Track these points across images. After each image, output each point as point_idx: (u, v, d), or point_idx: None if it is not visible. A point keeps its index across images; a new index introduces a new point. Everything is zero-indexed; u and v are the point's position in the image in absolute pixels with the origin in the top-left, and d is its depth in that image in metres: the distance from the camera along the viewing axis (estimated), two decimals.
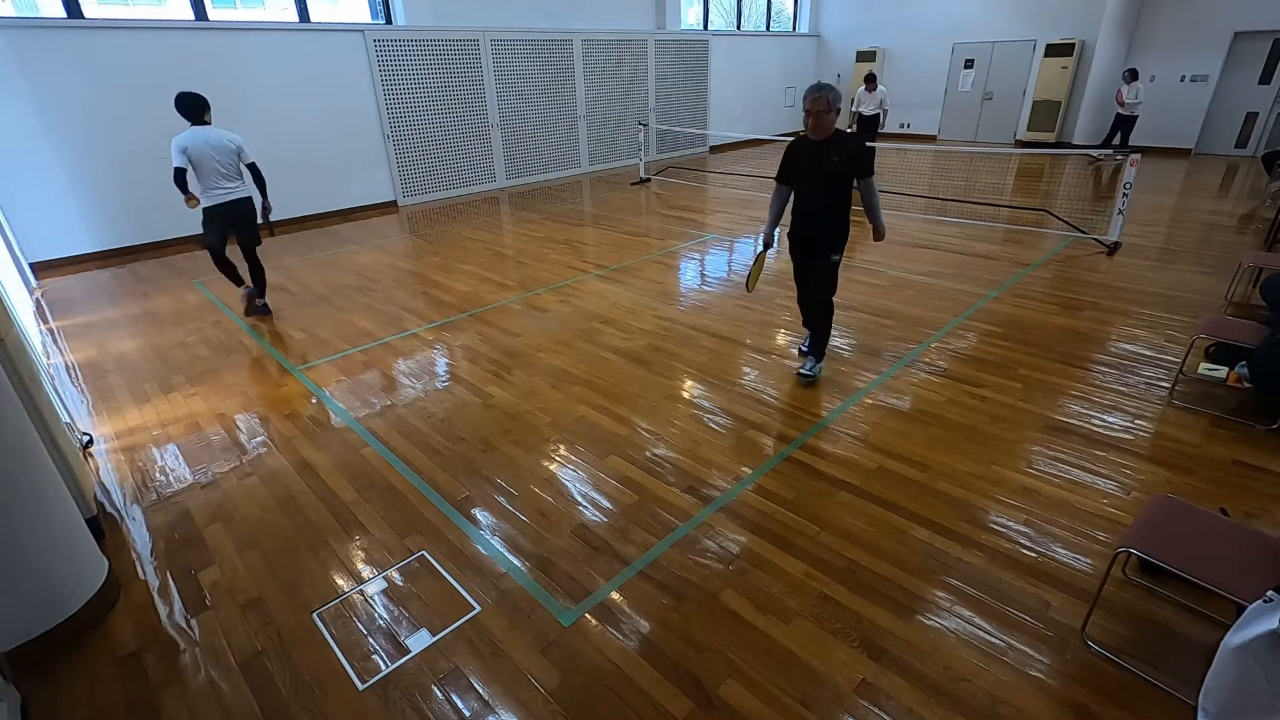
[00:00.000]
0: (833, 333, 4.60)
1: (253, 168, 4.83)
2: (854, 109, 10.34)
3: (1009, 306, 4.96)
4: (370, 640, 2.20)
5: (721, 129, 13.76)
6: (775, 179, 3.70)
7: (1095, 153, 9.32)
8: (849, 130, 10.35)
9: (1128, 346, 4.24)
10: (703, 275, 6.11)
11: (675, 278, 6.02)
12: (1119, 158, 10.44)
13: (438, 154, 9.55)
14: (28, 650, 2.14)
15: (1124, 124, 10.47)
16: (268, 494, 3.00)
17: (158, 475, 3.19)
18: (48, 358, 4.60)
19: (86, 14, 6.76)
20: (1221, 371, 3.61)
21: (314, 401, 3.85)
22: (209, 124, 4.72)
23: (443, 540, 2.66)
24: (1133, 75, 10.23)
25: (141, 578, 2.53)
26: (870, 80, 9.97)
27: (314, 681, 2.06)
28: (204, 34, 7.24)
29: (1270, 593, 1.55)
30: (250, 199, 4.93)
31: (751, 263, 3.84)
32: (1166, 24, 11.16)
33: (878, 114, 10.03)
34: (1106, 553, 2.44)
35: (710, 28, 13.72)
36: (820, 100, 3.30)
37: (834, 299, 3.80)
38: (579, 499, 2.90)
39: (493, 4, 9.68)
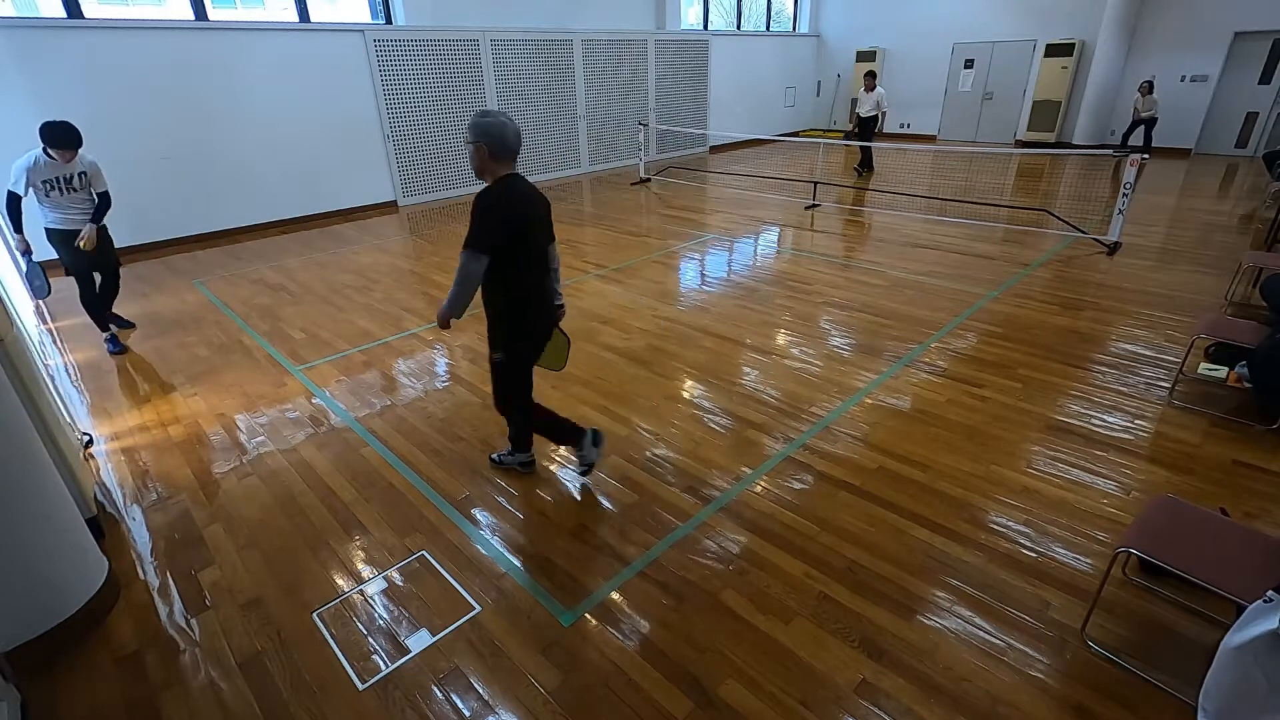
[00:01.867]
0: (832, 332, 4.61)
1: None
2: (855, 110, 10.35)
3: (1009, 306, 4.96)
4: (370, 640, 2.20)
5: (721, 129, 13.76)
6: None
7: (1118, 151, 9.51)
8: (852, 130, 10.39)
9: (1128, 346, 4.24)
10: (703, 275, 6.11)
11: (675, 278, 6.02)
12: (1145, 156, 10.71)
13: (438, 154, 9.55)
14: (28, 650, 2.13)
15: (1145, 123, 10.68)
16: (268, 494, 3.00)
17: (158, 475, 3.19)
18: (48, 358, 4.59)
19: (86, 14, 6.75)
20: (1221, 371, 3.61)
21: (314, 401, 3.84)
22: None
23: (443, 540, 2.66)
24: (1149, 88, 10.47)
25: (141, 578, 2.53)
26: (870, 78, 9.97)
27: (314, 681, 2.06)
28: (204, 34, 7.23)
29: (1270, 593, 1.55)
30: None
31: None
32: (1166, 24, 11.17)
33: (875, 115, 10.03)
34: (1106, 553, 2.44)
35: (710, 28, 13.72)
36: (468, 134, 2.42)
37: (525, 401, 2.84)
38: (579, 499, 2.90)
39: (493, 4, 9.67)
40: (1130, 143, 10.83)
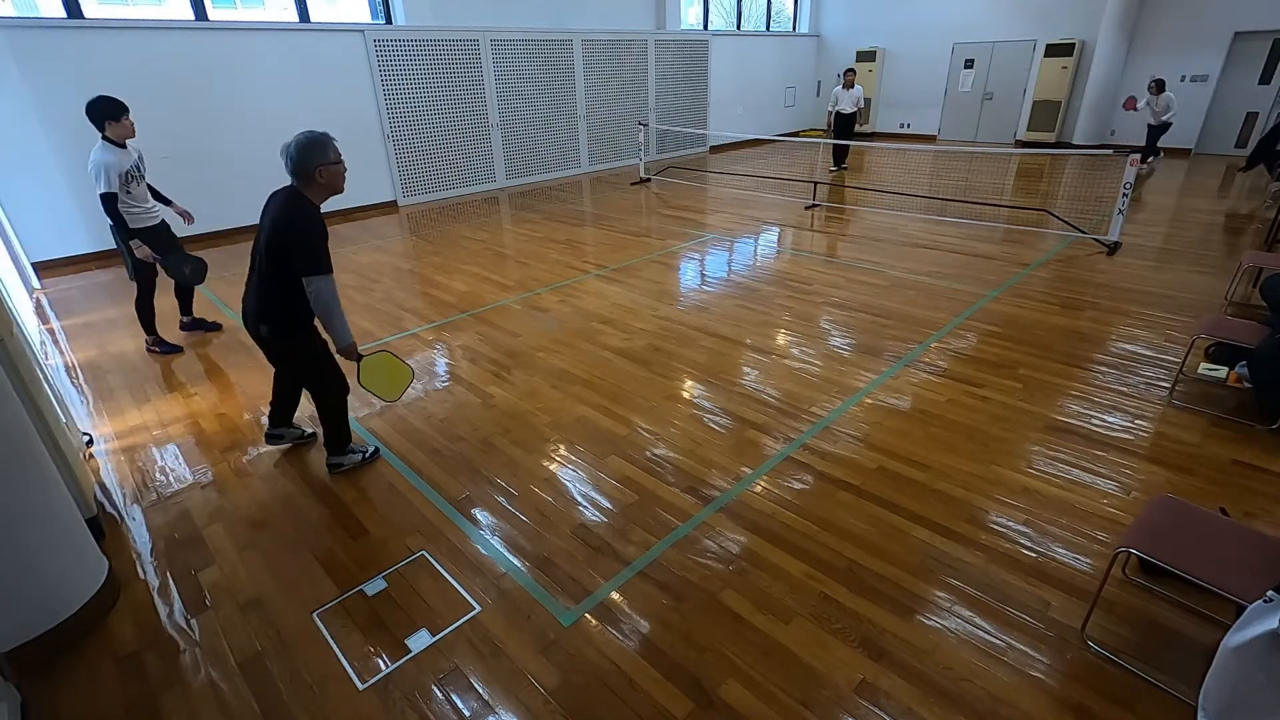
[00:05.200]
0: (832, 332, 4.62)
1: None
2: (831, 108, 10.35)
3: (1009, 306, 4.96)
4: (370, 640, 2.20)
5: (721, 129, 13.76)
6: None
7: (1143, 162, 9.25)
8: (828, 129, 10.38)
9: (1128, 346, 4.24)
10: (703, 275, 6.11)
11: (675, 278, 6.02)
12: (1152, 161, 10.20)
13: (438, 154, 9.55)
14: (28, 650, 2.14)
15: (1154, 132, 10.19)
16: (268, 494, 3.00)
17: (158, 475, 3.19)
18: (48, 358, 4.59)
19: (86, 14, 6.76)
20: (1221, 371, 3.61)
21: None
22: (101, 138, 4.06)
23: (443, 540, 2.66)
24: (1159, 87, 9.85)
25: (141, 578, 2.53)
26: (850, 74, 10.08)
27: (314, 681, 2.06)
28: (204, 34, 7.23)
29: (1270, 593, 1.55)
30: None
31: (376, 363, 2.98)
32: (1166, 24, 11.17)
33: (855, 111, 10.12)
34: (1106, 553, 2.44)
35: (710, 28, 13.72)
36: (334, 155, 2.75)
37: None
38: (579, 499, 2.90)
39: (493, 4, 9.67)
40: (1148, 152, 10.08)
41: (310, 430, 3.43)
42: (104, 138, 4.04)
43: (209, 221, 7.74)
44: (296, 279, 2.61)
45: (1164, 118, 10.05)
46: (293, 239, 2.57)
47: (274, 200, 2.68)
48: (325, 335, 2.86)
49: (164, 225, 4.55)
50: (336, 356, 2.90)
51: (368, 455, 3.21)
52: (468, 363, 4.28)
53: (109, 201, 3.97)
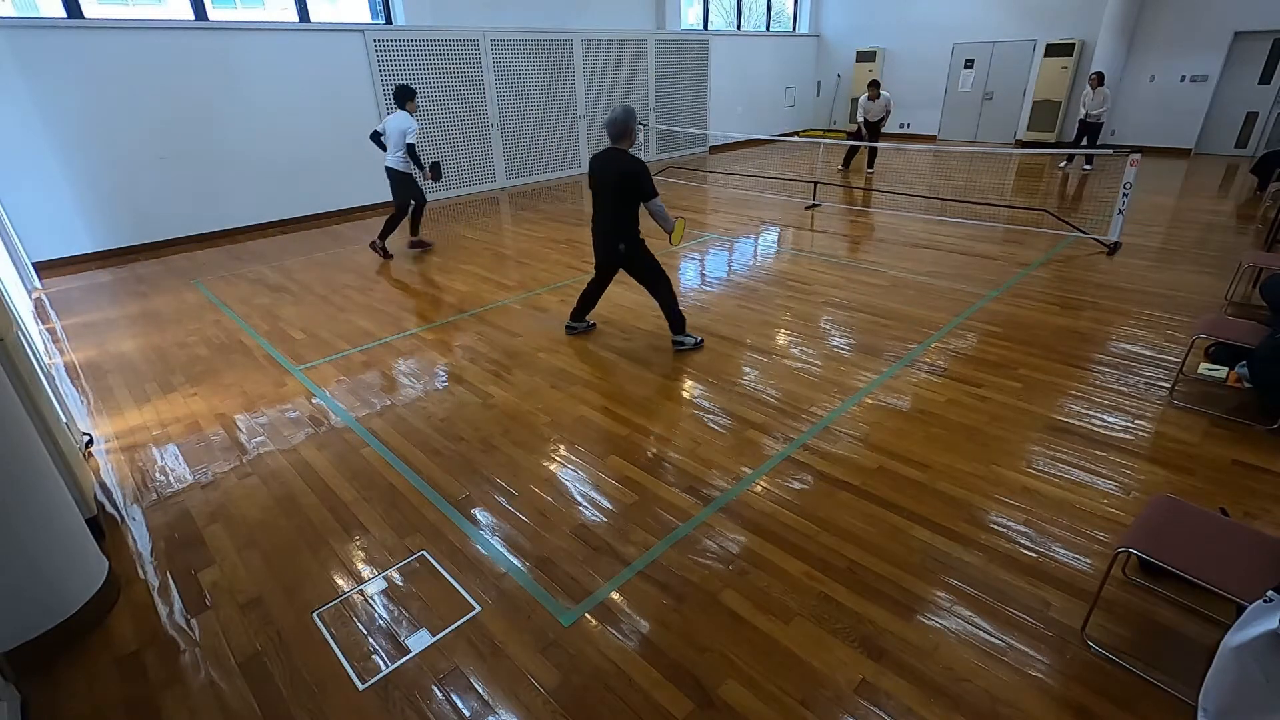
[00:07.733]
0: (832, 332, 4.62)
1: (409, 149, 6.26)
2: (860, 119, 10.43)
3: (1009, 306, 4.96)
4: (370, 640, 2.20)
5: (721, 129, 13.76)
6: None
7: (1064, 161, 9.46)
8: (859, 133, 10.62)
9: (1128, 346, 4.24)
10: (703, 275, 6.11)
11: (675, 278, 6.01)
12: (1087, 167, 10.36)
13: (437, 154, 9.53)
14: (28, 650, 2.14)
15: (1087, 130, 9.90)
16: (268, 494, 3.00)
17: (158, 475, 3.19)
18: (48, 358, 4.59)
19: (86, 14, 6.75)
20: (1221, 371, 3.61)
21: (314, 401, 3.84)
22: (400, 110, 6.28)
23: (443, 540, 2.66)
24: (1099, 80, 9.60)
25: (141, 578, 2.53)
26: (874, 87, 10.18)
27: (314, 681, 2.06)
28: (204, 34, 7.23)
29: (1270, 593, 1.55)
30: (393, 169, 6.42)
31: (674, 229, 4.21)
32: (1166, 24, 11.16)
33: (881, 119, 10.35)
34: (1106, 553, 2.44)
35: (710, 28, 13.71)
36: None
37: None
38: (579, 499, 2.90)
39: (493, 4, 9.67)
40: (1078, 151, 9.42)
41: (594, 324, 4.77)
42: (405, 111, 6.23)
43: (208, 222, 7.75)
44: (636, 205, 3.98)
45: (1096, 113, 9.73)
46: (640, 180, 3.86)
47: (609, 159, 3.95)
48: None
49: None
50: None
51: (699, 341, 4.34)
52: (468, 363, 4.29)
53: (415, 149, 6.23)
